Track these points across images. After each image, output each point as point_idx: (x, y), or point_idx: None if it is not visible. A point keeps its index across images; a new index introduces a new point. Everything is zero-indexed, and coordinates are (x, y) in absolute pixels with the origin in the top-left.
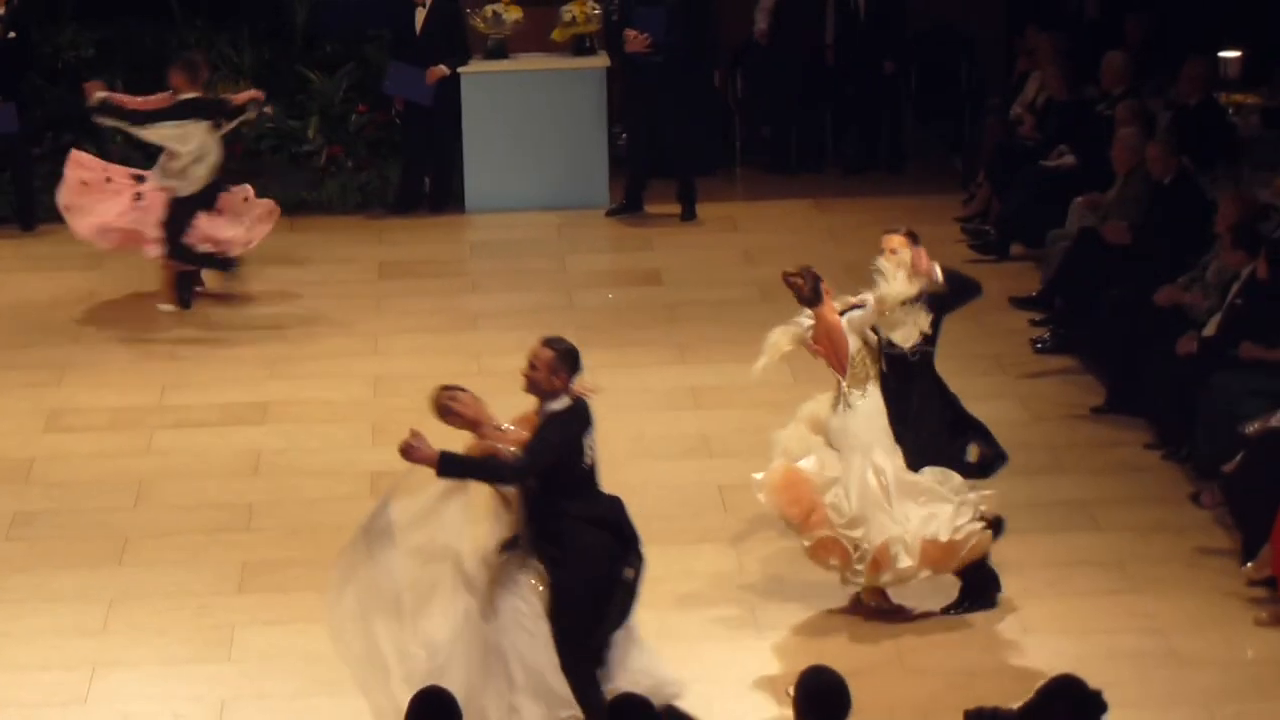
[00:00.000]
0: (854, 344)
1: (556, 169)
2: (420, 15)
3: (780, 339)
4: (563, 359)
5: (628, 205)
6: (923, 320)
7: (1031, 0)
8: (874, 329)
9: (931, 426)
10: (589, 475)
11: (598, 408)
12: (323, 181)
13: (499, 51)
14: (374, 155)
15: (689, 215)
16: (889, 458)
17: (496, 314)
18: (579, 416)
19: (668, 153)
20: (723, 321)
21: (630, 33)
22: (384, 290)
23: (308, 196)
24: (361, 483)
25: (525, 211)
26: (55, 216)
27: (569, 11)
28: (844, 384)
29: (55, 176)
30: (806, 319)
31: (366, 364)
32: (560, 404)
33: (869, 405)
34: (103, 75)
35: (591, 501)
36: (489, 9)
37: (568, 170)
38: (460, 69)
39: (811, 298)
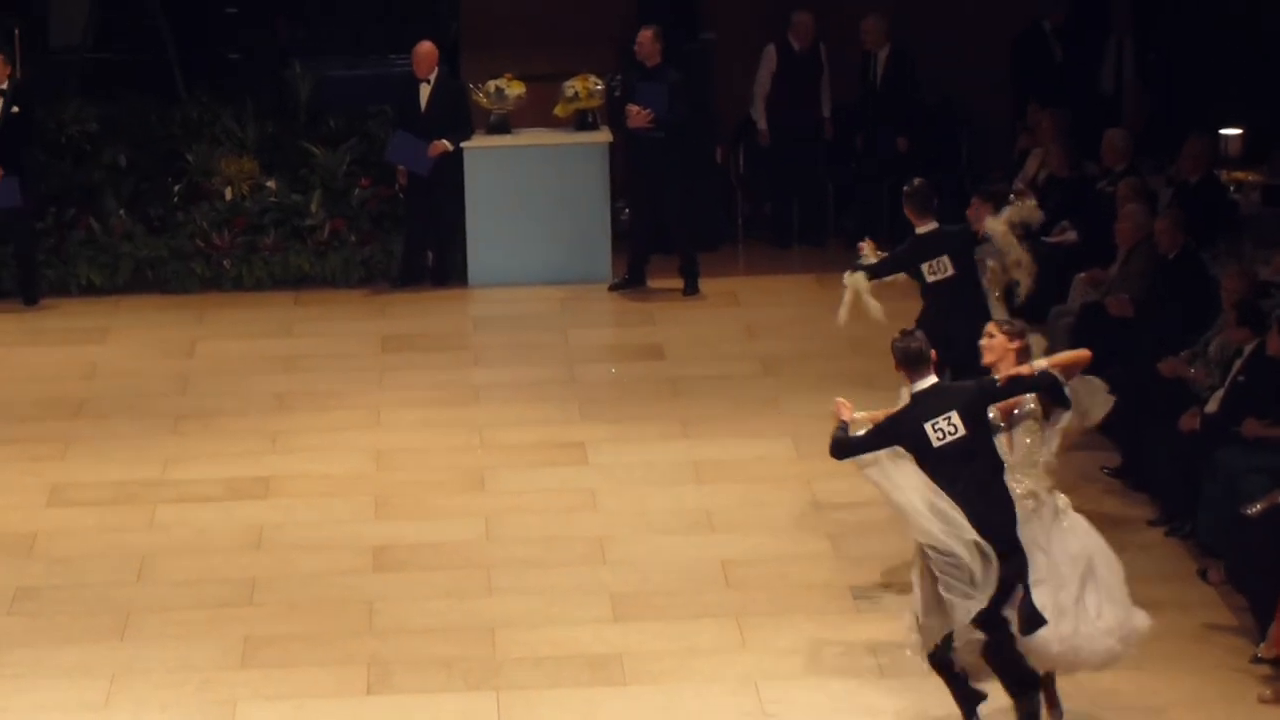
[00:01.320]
0: None
1: (559, 244)
2: (424, 91)
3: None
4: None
5: (630, 280)
6: None
7: (1034, 77)
8: None
9: None
10: (941, 456)
11: (600, 481)
12: (325, 255)
13: (502, 126)
14: (377, 229)
15: (691, 290)
16: None
17: (499, 387)
18: (922, 401)
19: (670, 228)
20: (725, 396)
21: (633, 108)
22: (386, 364)
23: (310, 270)
24: (364, 556)
25: (528, 286)
26: (58, 290)
27: (571, 87)
28: None
29: (58, 251)
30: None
31: (369, 437)
32: (922, 385)
33: None
34: (107, 150)
35: (942, 482)
36: (492, 84)
37: (570, 245)
38: (463, 144)
39: None
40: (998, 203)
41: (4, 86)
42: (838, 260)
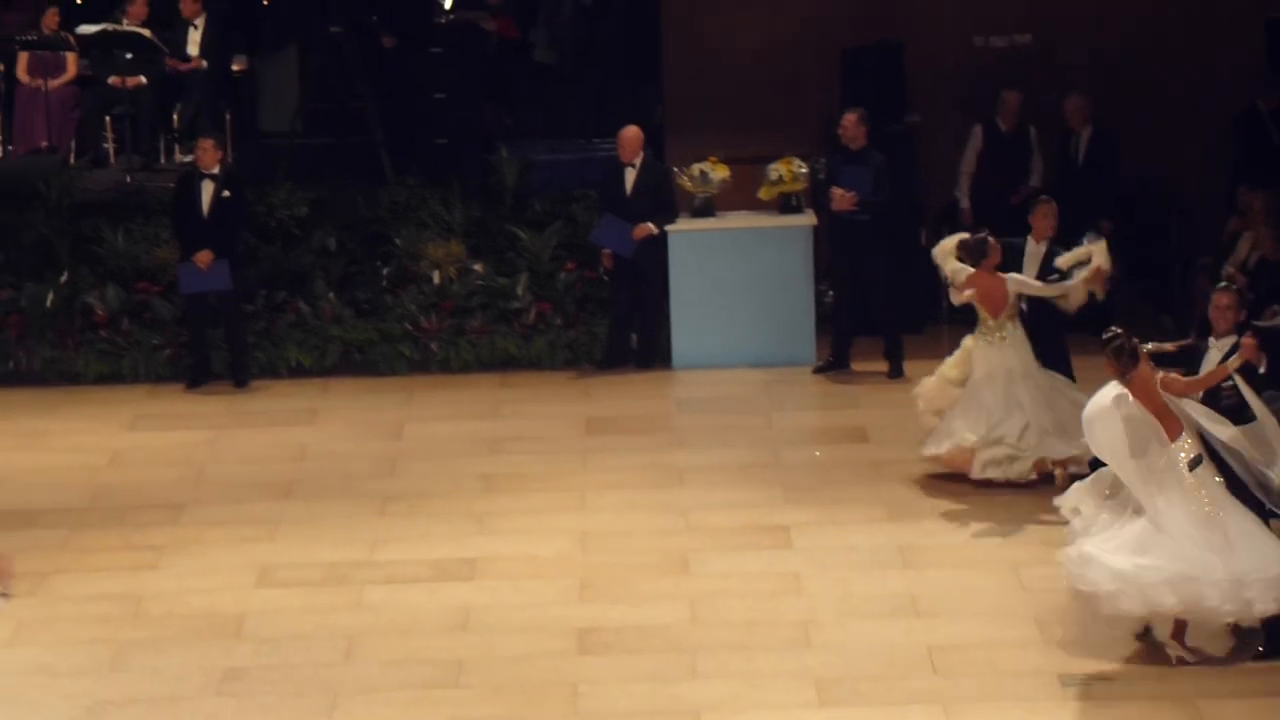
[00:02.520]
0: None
1: (763, 326)
2: (629, 175)
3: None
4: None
5: (834, 362)
6: None
7: (1251, 159)
8: None
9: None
10: None
11: (804, 565)
12: (531, 338)
13: (706, 210)
14: (582, 312)
15: (896, 373)
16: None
17: (703, 470)
18: None
19: (874, 310)
20: (929, 480)
21: (837, 191)
22: (591, 446)
23: (516, 353)
24: (569, 639)
25: (732, 368)
26: (268, 373)
27: (776, 170)
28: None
29: (269, 334)
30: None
31: (574, 520)
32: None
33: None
34: (316, 234)
35: None
36: (696, 167)
37: (774, 327)
38: (667, 227)
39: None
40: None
41: (215, 171)
42: None
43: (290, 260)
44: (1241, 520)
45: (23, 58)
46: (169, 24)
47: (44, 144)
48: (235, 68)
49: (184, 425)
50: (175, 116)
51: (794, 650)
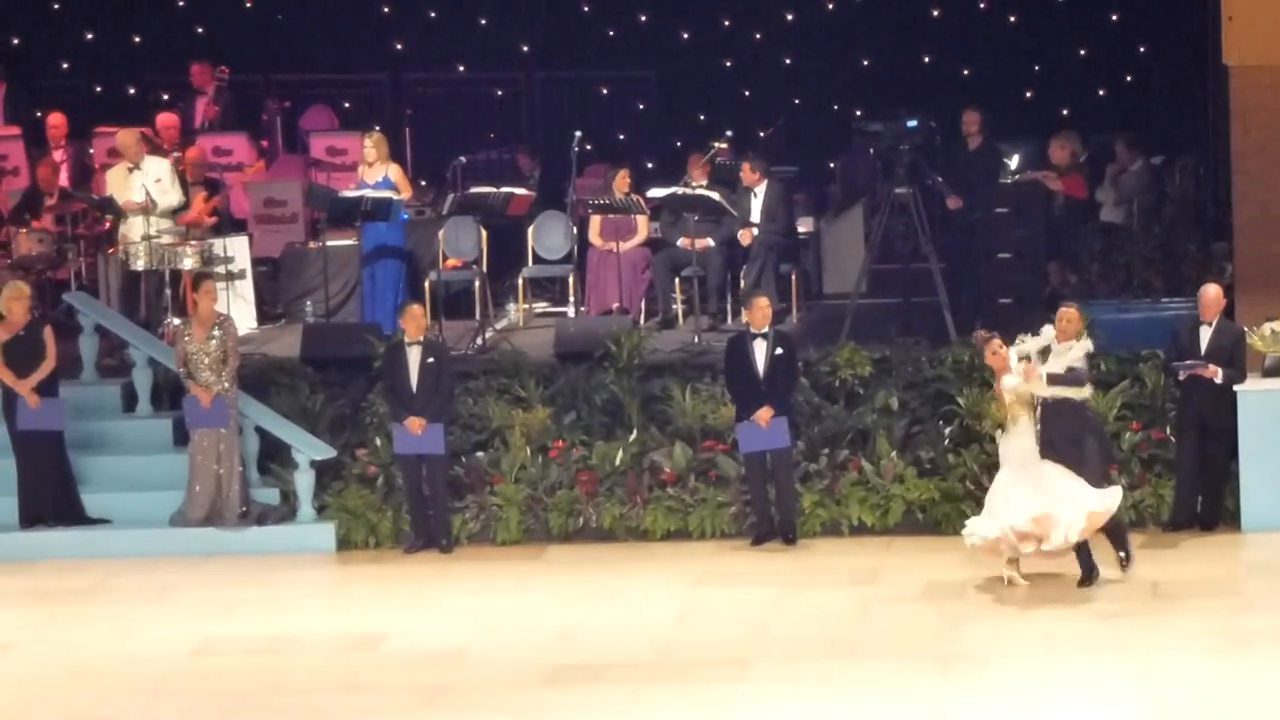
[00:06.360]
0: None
1: None
2: (1206, 333)
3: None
4: None
5: None
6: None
7: None
8: None
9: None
10: None
11: None
12: None
13: (1277, 369)
14: (1147, 473)
15: None
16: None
17: (1274, 635)
18: None
19: None
20: None
21: None
22: (1156, 609)
23: None
24: None
25: None
26: (829, 531)
27: None
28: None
29: (831, 492)
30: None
31: (1140, 685)
32: None
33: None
34: (879, 393)
35: None
36: (1267, 327)
37: None
38: (1237, 386)
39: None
40: None
41: (765, 330)
42: None
43: (853, 419)
44: None
45: (595, 221)
46: (734, 186)
47: (615, 305)
48: (801, 230)
49: (748, 582)
50: (741, 278)
51: None
